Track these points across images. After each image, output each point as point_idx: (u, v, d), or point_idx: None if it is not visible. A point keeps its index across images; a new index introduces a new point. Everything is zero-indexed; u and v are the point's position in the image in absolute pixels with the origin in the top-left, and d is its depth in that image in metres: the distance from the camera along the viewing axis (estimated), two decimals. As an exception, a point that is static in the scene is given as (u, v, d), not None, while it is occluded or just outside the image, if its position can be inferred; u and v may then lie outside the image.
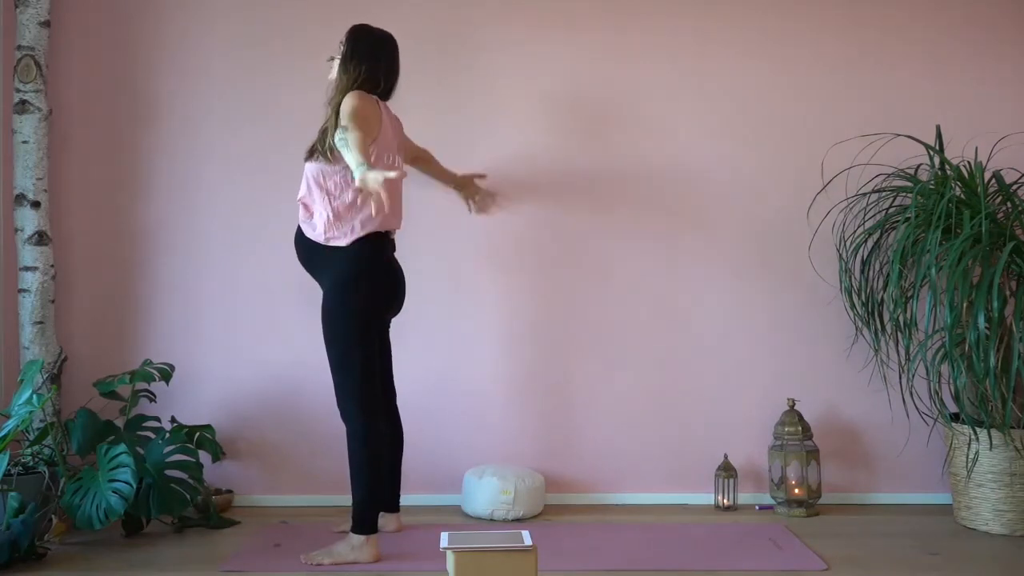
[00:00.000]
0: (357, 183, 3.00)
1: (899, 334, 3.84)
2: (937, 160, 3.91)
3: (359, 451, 3.33)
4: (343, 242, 3.36)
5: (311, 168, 3.41)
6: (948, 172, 3.83)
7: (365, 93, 3.37)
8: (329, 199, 3.36)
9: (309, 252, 3.45)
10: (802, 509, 3.92)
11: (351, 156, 3.07)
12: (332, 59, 3.49)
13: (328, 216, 3.36)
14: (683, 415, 4.14)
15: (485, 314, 4.14)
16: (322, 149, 3.36)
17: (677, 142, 4.16)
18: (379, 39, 3.50)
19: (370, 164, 3.06)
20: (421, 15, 4.11)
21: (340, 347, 3.36)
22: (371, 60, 3.43)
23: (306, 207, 3.44)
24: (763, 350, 4.14)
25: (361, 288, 3.36)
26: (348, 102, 3.29)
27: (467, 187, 4.03)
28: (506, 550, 2.77)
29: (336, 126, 3.26)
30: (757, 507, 4.05)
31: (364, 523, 3.34)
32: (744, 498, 4.08)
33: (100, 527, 3.41)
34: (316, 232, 3.40)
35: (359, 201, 3.33)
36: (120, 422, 3.81)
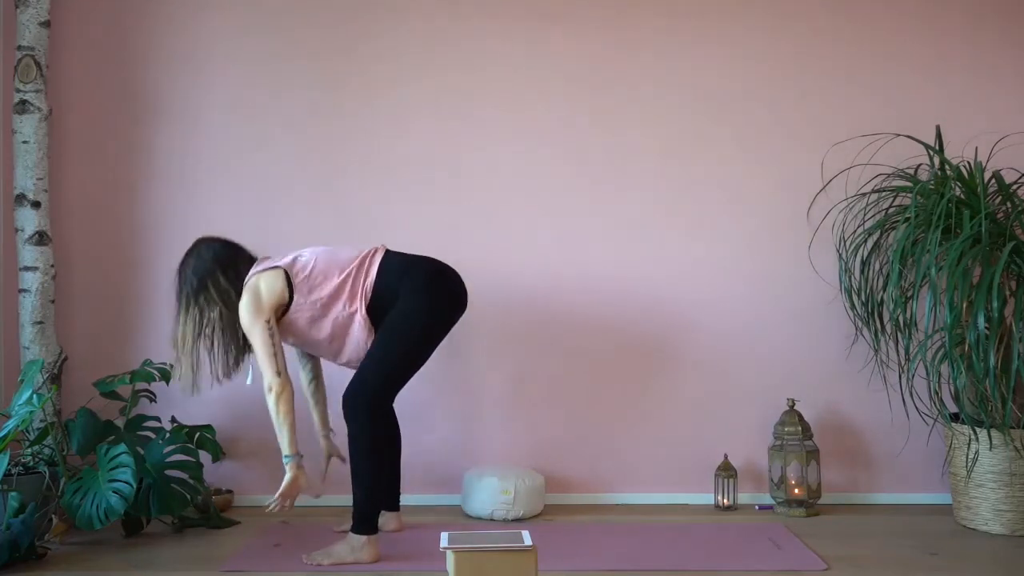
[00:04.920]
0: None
1: (899, 334, 3.84)
2: (937, 160, 3.91)
3: (360, 451, 3.32)
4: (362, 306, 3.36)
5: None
6: (948, 172, 3.83)
7: (259, 287, 3.35)
8: (319, 301, 3.36)
9: (378, 297, 3.38)
10: (802, 509, 3.92)
11: (281, 435, 3.25)
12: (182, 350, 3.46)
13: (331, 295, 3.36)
14: (683, 415, 4.14)
15: (485, 313, 4.13)
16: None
17: (676, 142, 4.15)
18: (191, 253, 3.48)
19: (296, 454, 3.25)
20: (421, 15, 4.12)
21: (394, 344, 3.32)
22: (210, 269, 3.41)
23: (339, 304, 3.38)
24: (763, 350, 4.14)
25: (437, 292, 3.39)
26: (247, 317, 3.31)
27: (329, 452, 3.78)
28: (506, 550, 2.77)
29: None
30: (757, 507, 4.05)
31: (365, 523, 3.33)
32: (744, 498, 4.08)
33: (100, 527, 3.41)
34: (352, 308, 3.37)
35: (336, 289, 3.35)
36: (120, 422, 3.81)
